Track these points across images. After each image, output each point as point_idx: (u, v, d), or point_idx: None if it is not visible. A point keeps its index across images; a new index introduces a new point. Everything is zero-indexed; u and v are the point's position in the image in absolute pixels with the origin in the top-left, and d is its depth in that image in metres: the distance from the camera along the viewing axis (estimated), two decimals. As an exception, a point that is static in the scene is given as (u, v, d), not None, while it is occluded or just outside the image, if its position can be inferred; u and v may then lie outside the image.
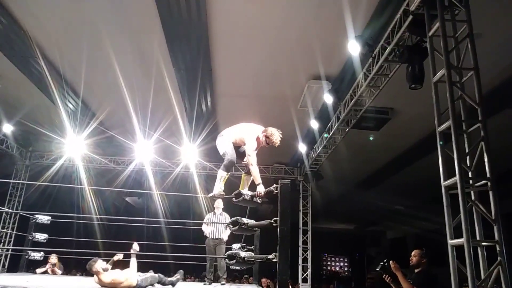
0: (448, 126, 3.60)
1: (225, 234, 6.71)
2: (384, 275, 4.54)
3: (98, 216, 8.72)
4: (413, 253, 4.69)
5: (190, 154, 10.09)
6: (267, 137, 4.51)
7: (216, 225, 6.69)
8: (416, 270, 4.55)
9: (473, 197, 3.46)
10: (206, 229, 6.77)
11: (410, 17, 4.51)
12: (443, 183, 3.49)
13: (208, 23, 5.86)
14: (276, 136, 4.53)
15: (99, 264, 4.32)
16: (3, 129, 9.59)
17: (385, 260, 4.70)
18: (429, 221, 16.37)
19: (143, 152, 9.93)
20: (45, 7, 5.80)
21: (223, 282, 6.38)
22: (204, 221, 6.90)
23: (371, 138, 9.48)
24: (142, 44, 6.67)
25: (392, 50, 5.21)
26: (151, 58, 6.90)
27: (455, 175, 3.40)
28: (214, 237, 6.66)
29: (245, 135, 4.57)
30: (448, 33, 3.86)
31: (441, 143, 3.73)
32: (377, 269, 4.76)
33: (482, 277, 3.23)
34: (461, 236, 3.21)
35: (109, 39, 6.37)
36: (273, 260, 4.17)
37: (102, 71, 7.33)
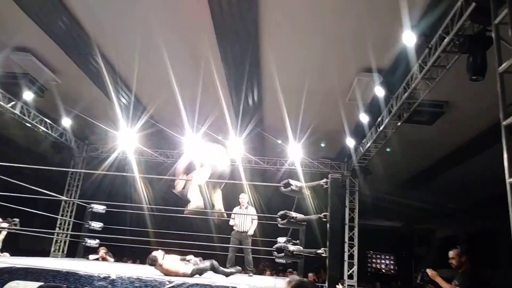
0: (515, 119, 3.36)
1: (251, 228, 6.95)
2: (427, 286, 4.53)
3: (149, 206, 9.04)
4: (450, 255, 4.62)
5: (236, 148, 10.20)
6: None
7: (242, 219, 6.95)
8: (460, 270, 4.45)
9: (542, 196, 3.21)
10: (233, 222, 7.05)
11: (473, 4, 4.25)
12: (508, 180, 3.27)
13: (258, 16, 5.87)
14: None
15: (159, 255, 4.44)
16: (63, 123, 10.18)
17: (422, 270, 4.68)
18: (483, 221, 15.52)
19: (191, 146, 10.15)
20: (104, 7, 6.08)
21: (251, 274, 6.50)
22: (232, 214, 7.14)
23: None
24: (192, 40, 6.81)
25: (451, 40, 4.94)
26: (200, 53, 7.03)
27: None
28: (241, 230, 6.91)
29: None
30: (517, 20, 3.59)
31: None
32: (418, 282, 4.72)
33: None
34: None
35: (161, 36, 6.56)
36: (323, 255, 4.13)
37: (153, 67, 7.57)
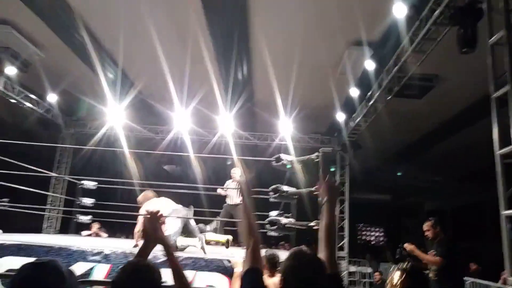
0: (505, 91, 3.37)
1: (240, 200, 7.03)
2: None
3: (140, 182, 9.04)
4: (424, 228, 4.75)
5: (226, 123, 10.14)
6: None
7: (233, 192, 7.13)
8: (435, 241, 4.61)
9: (530, 167, 3.27)
10: (224, 193, 7.28)
11: (465, -25, 4.19)
12: (498, 152, 3.32)
13: (246, -12, 5.73)
14: None
15: None
16: (48, 98, 9.96)
17: (399, 245, 4.81)
18: (470, 194, 15.89)
19: (181, 121, 10.07)
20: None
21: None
22: (225, 187, 7.34)
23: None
24: (179, 12, 6.63)
25: (442, 12, 4.89)
26: (188, 27, 6.86)
27: (510, 144, 3.22)
28: (233, 203, 7.08)
29: None
30: (509, -9, 3.56)
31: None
32: (396, 257, 4.85)
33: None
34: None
35: (147, 9, 6.37)
36: (314, 227, 4.20)
37: (140, 41, 7.39)
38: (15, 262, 3.75)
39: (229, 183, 7.34)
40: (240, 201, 6.88)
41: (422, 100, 8.49)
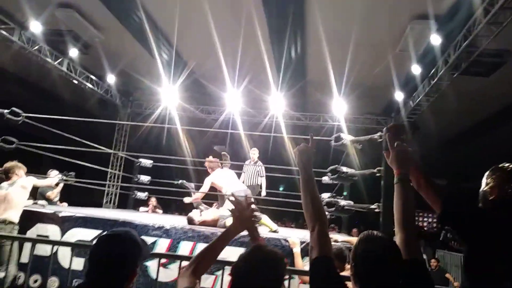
0: None
1: (263, 189, 7.03)
2: None
3: (192, 159, 9.23)
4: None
5: (277, 103, 10.01)
6: None
7: (251, 173, 7.01)
8: None
9: None
10: (243, 177, 7.14)
11: None
12: None
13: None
14: None
15: (195, 215, 4.62)
16: (107, 79, 10.34)
17: (446, 228, 4.56)
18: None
19: (232, 102, 10.08)
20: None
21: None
22: (244, 168, 7.24)
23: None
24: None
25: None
26: (242, 3, 6.75)
27: None
28: (248, 184, 6.92)
29: None
30: None
31: None
32: (441, 239, 4.68)
33: None
34: None
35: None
36: (376, 210, 4.02)
37: (194, 20, 7.40)
38: (84, 233, 3.95)
39: (248, 164, 7.22)
40: (256, 183, 6.82)
41: (489, 79, 7.82)
